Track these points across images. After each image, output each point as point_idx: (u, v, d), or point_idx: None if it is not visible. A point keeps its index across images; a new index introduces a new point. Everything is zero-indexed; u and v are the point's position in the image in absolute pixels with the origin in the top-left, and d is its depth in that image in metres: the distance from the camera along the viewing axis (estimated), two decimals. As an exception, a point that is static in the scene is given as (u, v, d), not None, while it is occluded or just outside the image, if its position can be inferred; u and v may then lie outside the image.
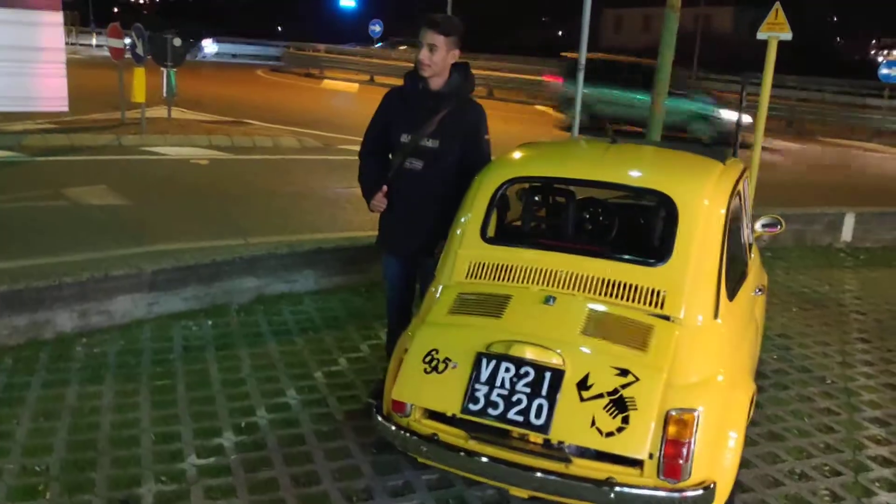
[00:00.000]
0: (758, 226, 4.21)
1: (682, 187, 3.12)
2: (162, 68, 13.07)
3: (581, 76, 7.25)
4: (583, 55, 7.19)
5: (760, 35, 7.61)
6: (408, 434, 2.90)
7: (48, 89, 8.50)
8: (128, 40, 12.40)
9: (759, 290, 3.88)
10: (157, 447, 3.51)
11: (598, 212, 3.50)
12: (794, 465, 3.71)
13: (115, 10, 46.92)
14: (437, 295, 3.16)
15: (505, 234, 3.31)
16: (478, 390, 2.69)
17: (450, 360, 2.78)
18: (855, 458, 3.81)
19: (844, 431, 4.09)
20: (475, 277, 3.15)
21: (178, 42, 12.98)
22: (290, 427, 3.76)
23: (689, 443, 2.59)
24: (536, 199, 3.55)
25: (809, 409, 4.32)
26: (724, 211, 3.10)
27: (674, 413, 2.61)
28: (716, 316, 2.91)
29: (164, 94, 13.31)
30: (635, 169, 3.32)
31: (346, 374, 4.41)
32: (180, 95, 14.75)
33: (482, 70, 24.73)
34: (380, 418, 3.03)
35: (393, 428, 2.95)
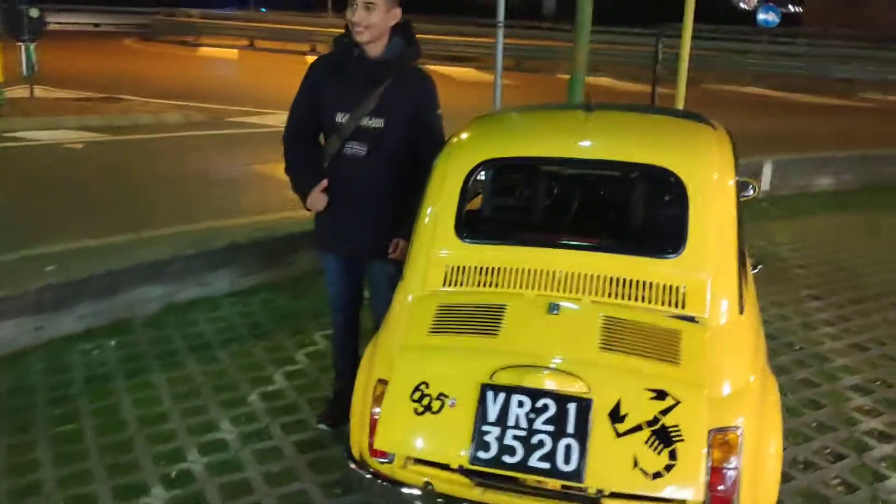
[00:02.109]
0: None
1: (686, 160, 2.68)
2: (18, 43, 11.67)
3: (500, 33, 6.73)
4: (501, 4, 6.66)
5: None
6: (392, 485, 2.37)
7: None
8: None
9: (759, 265, 3.53)
10: (67, 519, 2.85)
11: (588, 195, 3.03)
12: (795, 451, 3.42)
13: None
14: (410, 309, 2.61)
15: (480, 229, 2.78)
16: (487, 433, 2.18)
17: (446, 397, 2.25)
18: (852, 437, 3.56)
19: (831, 405, 3.85)
20: (455, 284, 2.62)
21: (35, 13, 11.60)
22: (232, 471, 3.15)
23: (736, 468, 2.18)
24: (511, 183, 3.03)
25: (789, 383, 4.05)
26: (733, 182, 2.69)
27: (717, 434, 2.19)
28: (741, 310, 2.51)
29: (24, 72, 11.91)
30: (627, 141, 2.84)
31: (286, 393, 3.81)
32: (42, 71, 13.30)
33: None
34: (352, 465, 2.48)
35: (370, 477, 2.41)
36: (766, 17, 22.08)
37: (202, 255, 4.82)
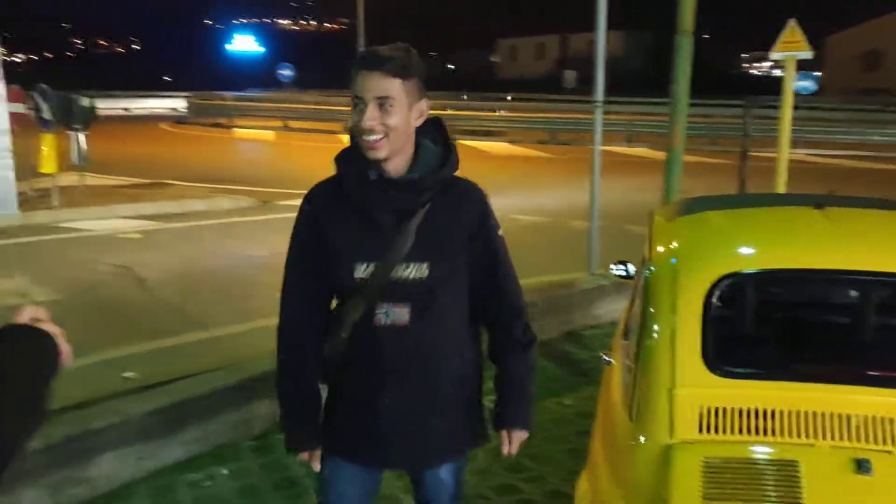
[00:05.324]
0: None
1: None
2: (69, 132, 11.56)
3: (600, 113, 6.38)
4: (599, 84, 6.34)
5: (775, 55, 6.98)
6: None
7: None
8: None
9: None
10: None
11: (849, 313, 2.55)
12: None
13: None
14: (661, 461, 2.11)
15: (735, 358, 2.29)
16: None
17: None
18: None
19: None
20: (713, 431, 2.13)
21: (86, 102, 11.53)
22: None
23: None
24: (757, 299, 2.55)
25: None
26: None
27: None
28: None
29: (75, 161, 11.76)
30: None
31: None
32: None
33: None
34: None
35: None
36: (805, 83, 21.93)
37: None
